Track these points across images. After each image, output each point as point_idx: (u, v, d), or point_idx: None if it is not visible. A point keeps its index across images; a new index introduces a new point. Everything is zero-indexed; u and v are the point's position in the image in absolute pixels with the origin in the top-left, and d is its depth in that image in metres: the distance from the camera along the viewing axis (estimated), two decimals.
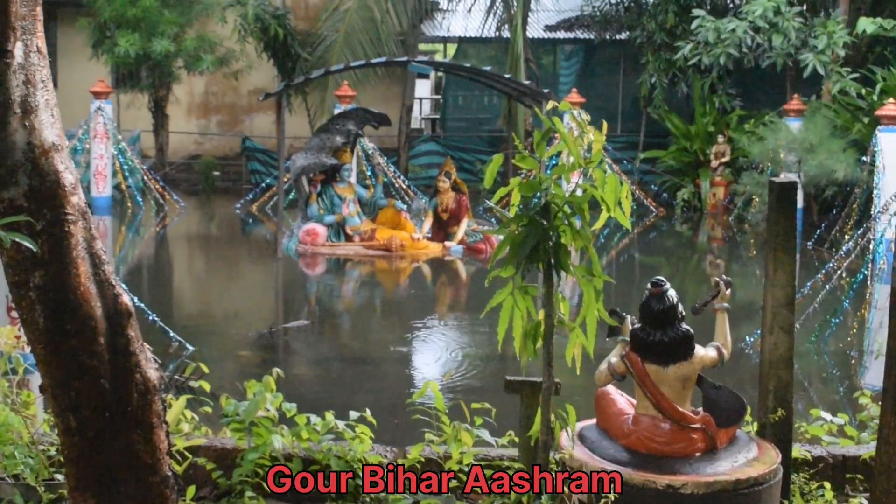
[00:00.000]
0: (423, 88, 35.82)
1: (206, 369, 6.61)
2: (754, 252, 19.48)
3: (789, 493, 5.92)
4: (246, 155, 27.86)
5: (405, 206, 20.10)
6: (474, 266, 17.97)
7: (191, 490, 5.73)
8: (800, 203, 21.61)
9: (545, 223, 5.39)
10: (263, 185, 24.65)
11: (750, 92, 26.22)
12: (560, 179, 5.48)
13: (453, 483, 6.02)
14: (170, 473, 5.06)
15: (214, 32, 25.32)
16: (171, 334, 11.44)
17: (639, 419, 5.51)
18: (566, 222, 5.42)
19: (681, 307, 5.47)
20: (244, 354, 11.62)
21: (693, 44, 23.74)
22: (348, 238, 18.58)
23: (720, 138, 24.75)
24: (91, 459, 4.90)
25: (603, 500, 5.02)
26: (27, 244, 4.33)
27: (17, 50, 4.50)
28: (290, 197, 20.80)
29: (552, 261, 5.42)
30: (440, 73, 30.77)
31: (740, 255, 20.48)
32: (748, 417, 6.18)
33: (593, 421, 5.80)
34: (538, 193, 5.41)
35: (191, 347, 11.27)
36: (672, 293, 5.46)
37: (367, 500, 6.07)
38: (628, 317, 5.63)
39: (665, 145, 26.54)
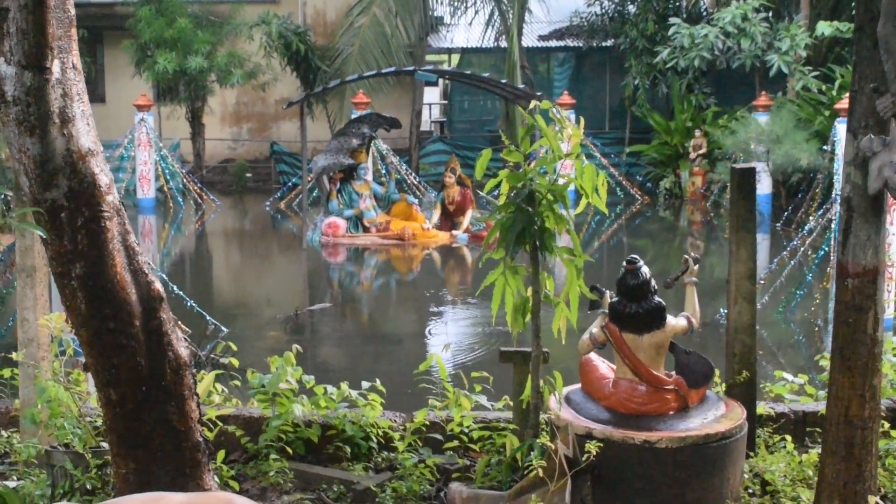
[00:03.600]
0: (432, 94, 35.76)
1: (234, 347, 6.60)
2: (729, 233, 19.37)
3: (755, 446, 5.93)
4: (274, 158, 27.86)
5: (416, 200, 20.11)
6: (478, 252, 17.96)
7: (220, 454, 5.75)
8: (768, 189, 21.60)
9: (530, 209, 5.40)
10: (290, 184, 24.68)
11: (723, 90, 26.16)
12: (543, 170, 5.50)
13: (454, 443, 6.05)
14: (201, 439, 5.09)
15: (243, 49, 25.32)
16: (207, 318, 11.46)
17: (618, 382, 5.51)
18: (549, 209, 5.44)
19: (653, 282, 5.46)
20: (272, 334, 11.64)
21: (670, 48, 23.77)
22: (365, 229, 18.61)
23: (697, 132, 24.71)
24: (130, 428, 4.93)
25: (585, 455, 5.02)
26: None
27: (55, 66, 4.52)
28: (314, 194, 20.80)
29: (537, 243, 5.44)
30: (446, 80, 30.69)
31: (717, 237, 20.42)
32: (717, 379, 6.19)
33: (578, 385, 5.80)
34: (523, 183, 5.42)
35: (225, 329, 11.29)
36: (645, 269, 5.46)
37: (379, 459, 6.10)
38: (607, 292, 5.62)
39: (648, 140, 26.49)
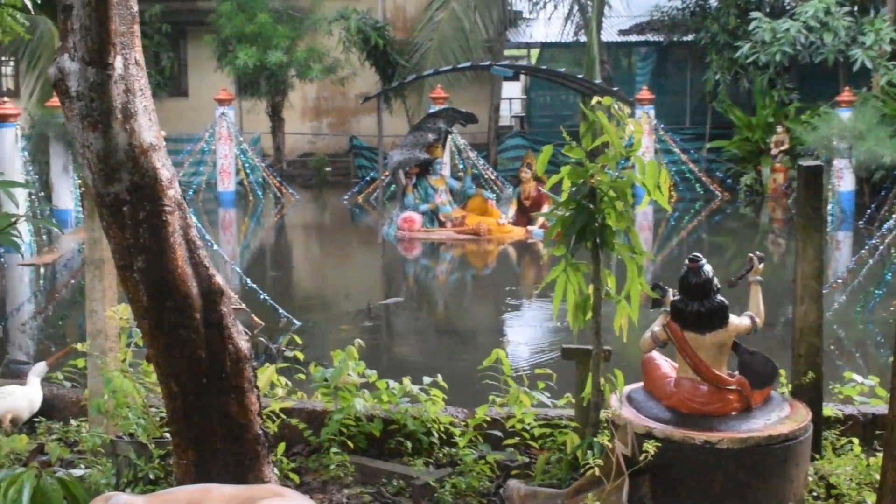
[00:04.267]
0: (514, 89, 35.64)
1: (299, 341, 6.65)
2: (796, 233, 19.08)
3: (821, 448, 5.82)
4: (353, 152, 28.03)
5: (492, 195, 20.07)
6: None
7: (281, 447, 5.79)
8: (851, 186, 21.21)
9: (591, 206, 5.36)
10: (367, 178, 24.80)
11: (806, 86, 25.71)
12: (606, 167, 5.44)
13: (514, 440, 6.03)
14: (261, 432, 5.12)
15: (322, 44, 25.49)
16: (280, 311, 11.56)
17: (680, 382, 5.45)
18: (611, 206, 5.38)
19: (716, 280, 5.38)
20: (344, 328, 11.70)
21: (751, 43, 23.43)
22: (441, 224, 18.64)
23: (779, 128, 24.33)
24: (191, 420, 4.99)
25: (643, 454, 4.97)
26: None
27: (118, 63, 4.57)
28: (391, 189, 20.89)
29: (598, 240, 5.39)
30: (525, 76, 30.60)
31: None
32: (783, 380, 6.09)
33: (641, 384, 5.74)
34: (584, 180, 5.37)
35: (297, 322, 11.38)
36: (707, 268, 5.39)
37: (440, 455, 6.10)
38: (670, 290, 5.56)
39: (729, 136, 26.15)
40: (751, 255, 5.70)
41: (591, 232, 5.37)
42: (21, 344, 11.33)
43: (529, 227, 18.52)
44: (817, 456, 5.73)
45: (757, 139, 24.98)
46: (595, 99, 5.42)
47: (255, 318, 11.17)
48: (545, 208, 18.57)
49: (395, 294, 14.22)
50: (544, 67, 21.93)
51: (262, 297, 11.75)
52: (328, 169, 28.18)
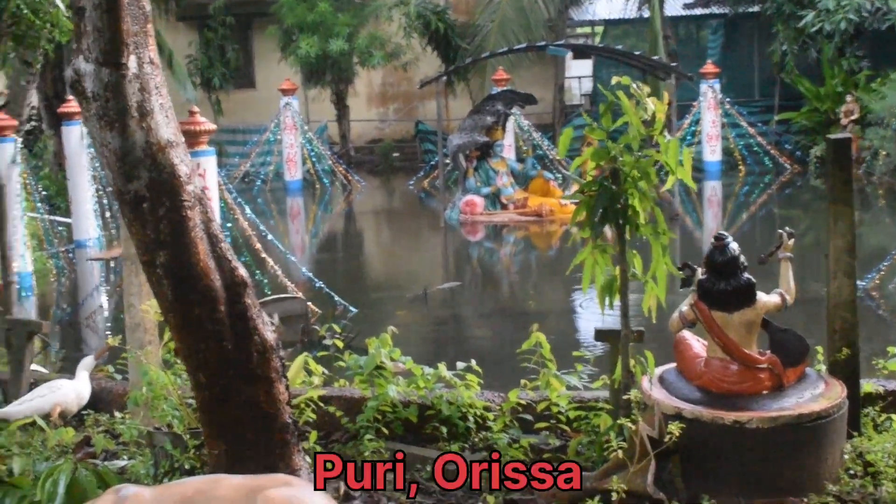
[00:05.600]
0: (585, 67, 35.26)
1: (337, 329, 6.71)
2: (883, 201, 18.79)
3: (859, 425, 5.72)
4: (419, 137, 28.10)
5: (553, 176, 19.98)
6: None
7: (313, 435, 5.84)
8: None
9: (614, 188, 5.32)
10: (433, 162, 24.84)
11: (877, 53, 25.09)
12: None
13: (545, 423, 6.03)
14: (290, 421, 5.19)
15: (383, 31, 25.56)
16: (336, 298, 11.66)
17: (710, 362, 5.40)
18: (635, 186, 5.34)
19: (742, 258, 5.32)
20: (401, 314, 11.76)
21: (816, 12, 22.97)
22: (503, 207, 18.62)
23: (849, 98, 23.82)
24: (219, 410, 5.06)
25: (668, 436, 4.94)
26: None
27: (132, 62, 4.64)
28: (455, 173, 20.92)
29: (621, 221, 5.35)
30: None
31: (871, 205, 19.72)
32: (819, 357, 6.00)
33: (674, 365, 5.70)
34: (606, 161, 5.34)
35: (353, 309, 11.45)
36: (734, 246, 5.32)
37: (477, 439, 6.11)
38: (698, 269, 5.51)
39: (798, 107, 25.68)
40: (780, 231, 5.62)
41: (615, 213, 5.34)
42: (85, 336, 11.58)
43: None
44: (855, 433, 5.64)
45: (826, 109, 24.51)
46: (615, 79, 5.37)
47: (312, 307, 11.28)
48: None
49: (454, 278, 14.23)
50: (601, 45, 21.73)
51: (317, 285, 11.84)
52: (395, 154, 28.29)
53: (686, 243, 16.54)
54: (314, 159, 24.45)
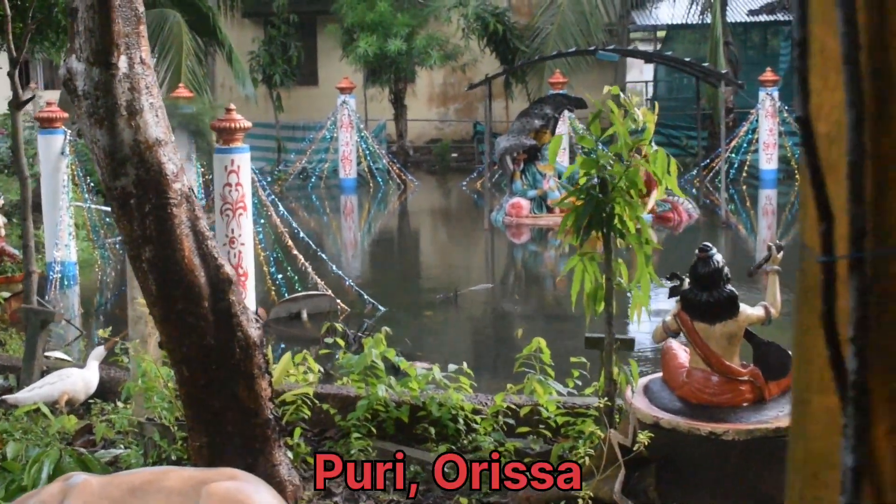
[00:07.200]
0: (650, 72, 34.99)
1: (339, 327, 6.82)
2: None
3: None
4: (477, 138, 28.16)
5: None
6: (663, 233, 17.68)
7: (297, 431, 5.96)
8: None
9: (600, 196, 5.37)
10: (486, 163, 24.87)
11: None
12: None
13: (527, 428, 6.08)
14: (271, 417, 5.31)
15: (442, 31, 25.68)
16: (365, 297, 11.77)
17: (692, 372, 5.43)
18: (622, 195, 5.38)
19: (726, 270, 5.34)
20: (428, 314, 11.84)
21: None
22: (549, 210, 18.60)
23: None
24: (202, 404, 5.21)
25: (638, 445, 4.98)
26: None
27: (122, 62, 4.80)
28: (501, 175, 20.96)
29: (606, 230, 5.40)
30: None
31: None
32: None
33: (660, 374, 5.74)
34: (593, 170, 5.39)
35: (382, 308, 11.55)
36: (718, 258, 5.35)
37: (465, 442, 6.19)
38: (685, 279, 5.54)
39: None
40: (769, 244, 5.63)
41: (601, 222, 5.39)
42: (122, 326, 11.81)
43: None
44: None
45: None
46: (606, 88, 5.42)
47: (341, 304, 11.41)
48: (654, 193, 18.42)
49: (492, 280, 14.28)
50: (652, 52, 21.63)
51: (347, 282, 11.97)
52: (453, 155, 28.39)
53: (739, 253, 16.40)
54: (369, 158, 24.63)
